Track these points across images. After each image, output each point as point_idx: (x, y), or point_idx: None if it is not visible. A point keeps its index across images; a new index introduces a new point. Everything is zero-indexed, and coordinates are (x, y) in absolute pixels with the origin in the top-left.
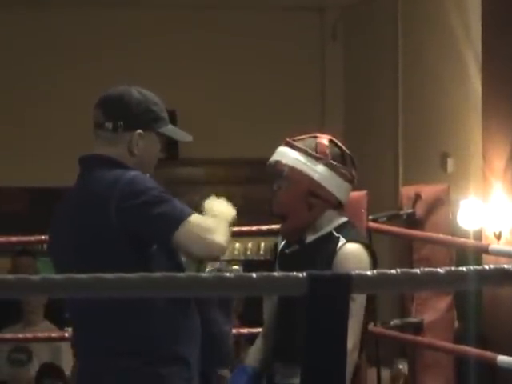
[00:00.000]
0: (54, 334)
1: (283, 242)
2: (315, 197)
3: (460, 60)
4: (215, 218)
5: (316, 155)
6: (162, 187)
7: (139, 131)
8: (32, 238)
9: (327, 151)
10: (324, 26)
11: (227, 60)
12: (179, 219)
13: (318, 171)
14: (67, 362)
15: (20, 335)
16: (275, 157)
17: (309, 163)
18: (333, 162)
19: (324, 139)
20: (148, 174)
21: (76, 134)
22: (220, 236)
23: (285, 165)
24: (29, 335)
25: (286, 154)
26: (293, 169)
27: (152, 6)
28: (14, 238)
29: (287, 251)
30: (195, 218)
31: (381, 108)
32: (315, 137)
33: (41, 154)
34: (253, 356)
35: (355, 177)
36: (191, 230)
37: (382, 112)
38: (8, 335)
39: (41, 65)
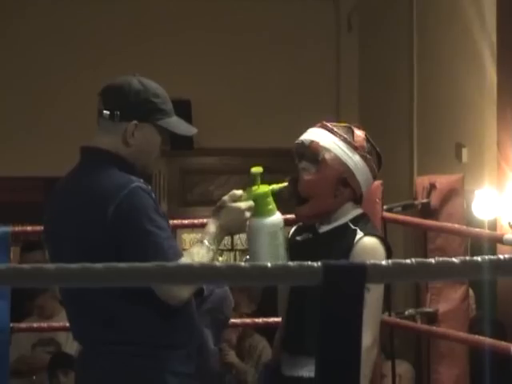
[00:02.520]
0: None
1: (293, 229)
2: (345, 185)
3: (475, 51)
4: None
5: (354, 144)
6: (159, 210)
7: (135, 122)
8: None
9: (363, 144)
10: (339, 17)
11: (242, 50)
12: (163, 260)
13: (354, 161)
14: None
15: (44, 325)
16: (309, 136)
17: (347, 151)
18: (367, 155)
19: (360, 132)
20: (148, 168)
21: (91, 123)
22: (185, 292)
23: (321, 147)
24: (55, 324)
25: (323, 137)
26: (330, 152)
27: None
28: (29, 228)
29: (299, 239)
30: None
31: (396, 98)
32: (350, 127)
33: (55, 143)
34: (274, 349)
35: (377, 174)
36: None
37: (397, 102)
38: (35, 325)
39: (55, 54)
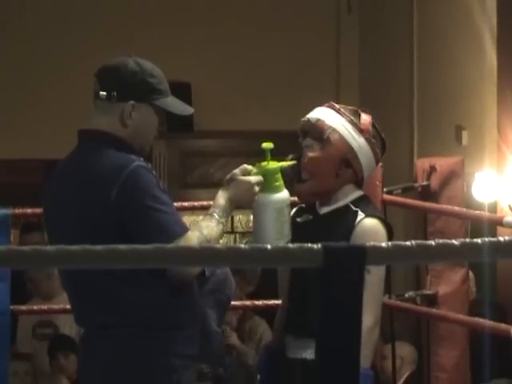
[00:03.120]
0: (55, 306)
1: (294, 211)
2: (347, 166)
3: (475, 33)
4: (206, 238)
5: (360, 127)
6: (161, 186)
7: (132, 102)
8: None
9: (369, 128)
10: (339, 5)
11: (242, 33)
12: (170, 237)
13: (359, 143)
14: None
15: (44, 307)
16: (316, 115)
17: (352, 132)
18: (372, 139)
19: (366, 116)
20: (146, 148)
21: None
22: (195, 268)
23: (327, 125)
24: (55, 307)
25: (330, 116)
26: (336, 132)
27: None
28: (29, 210)
29: (299, 220)
30: (184, 239)
31: (396, 81)
32: (357, 110)
33: (55, 125)
34: (274, 331)
35: (380, 160)
36: None
37: (397, 85)
38: (34, 307)
39: (54, 36)
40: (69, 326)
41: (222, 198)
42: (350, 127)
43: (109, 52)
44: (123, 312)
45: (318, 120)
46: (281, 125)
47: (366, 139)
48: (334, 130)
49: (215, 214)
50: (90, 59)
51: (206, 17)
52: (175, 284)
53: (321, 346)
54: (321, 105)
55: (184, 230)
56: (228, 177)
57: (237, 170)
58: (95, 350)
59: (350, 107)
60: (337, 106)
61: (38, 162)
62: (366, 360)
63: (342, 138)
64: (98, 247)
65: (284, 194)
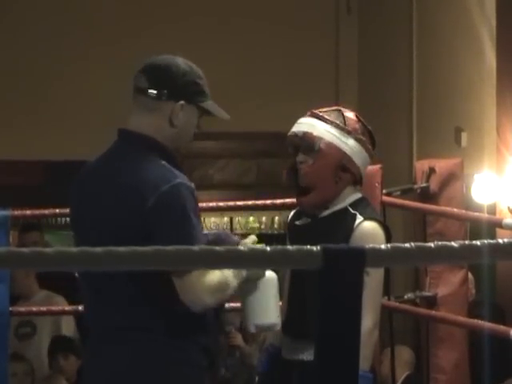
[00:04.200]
0: (53, 308)
1: (292, 214)
2: (344, 171)
3: (474, 34)
4: (223, 275)
5: (347, 129)
6: (195, 207)
7: (182, 102)
8: (46, 212)
9: (355, 126)
10: (338, 5)
11: (241, 33)
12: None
13: (350, 145)
14: (69, 329)
15: (22, 309)
16: (302, 128)
17: (341, 136)
18: (361, 136)
19: (350, 113)
20: (180, 150)
21: (91, 108)
22: (211, 299)
23: (316, 137)
24: (34, 308)
25: (315, 126)
26: (325, 142)
27: None
28: (28, 212)
29: (298, 223)
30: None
31: (395, 82)
32: (339, 110)
33: (55, 127)
34: (274, 333)
35: (373, 153)
36: (192, 281)
37: (397, 86)
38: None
39: (58, 36)
40: (50, 325)
41: None
42: (337, 132)
43: (112, 52)
44: (143, 316)
45: (305, 133)
46: (279, 126)
47: (356, 139)
48: (322, 139)
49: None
50: (92, 60)
51: (206, 18)
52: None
53: (320, 348)
54: (321, 105)
55: None
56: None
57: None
58: (102, 353)
59: (332, 108)
60: (319, 113)
61: (38, 164)
62: (365, 362)
63: (332, 146)
64: (97, 249)
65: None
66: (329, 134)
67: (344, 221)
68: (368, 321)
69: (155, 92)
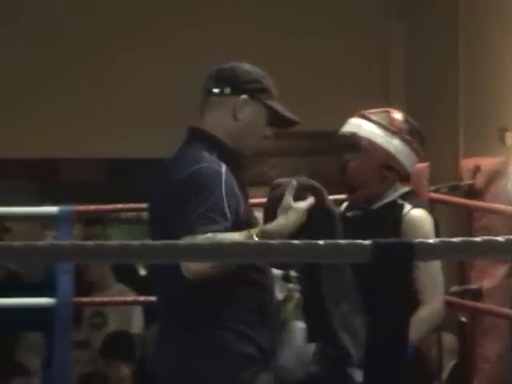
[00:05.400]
0: (127, 298)
1: (345, 205)
2: (389, 170)
3: None
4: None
5: (392, 129)
6: (220, 189)
7: (245, 96)
8: (109, 207)
9: (402, 126)
10: (388, 4)
11: (290, 32)
12: (190, 226)
13: (394, 145)
14: (137, 324)
15: (96, 300)
16: (350, 128)
17: (386, 137)
18: (407, 136)
19: (397, 114)
20: (247, 149)
21: (151, 107)
22: (197, 266)
23: (362, 137)
24: (105, 299)
25: (362, 127)
26: (371, 142)
27: None
28: (92, 207)
29: (349, 215)
30: (195, 237)
31: (442, 84)
32: (387, 111)
33: (116, 126)
34: None
35: (421, 152)
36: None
37: (444, 88)
38: (85, 299)
39: (128, 33)
40: (120, 317)
41: (276, 224)
42: (383, 133)
43: (178, 48)
44: (203, 308)
45: (353, 134)
46: (330, 126)
47: (401, 139)
48: (369, 140)
49: (254, 235)
50: (153, 64)
51: (253, 16)
52: (191, 281)
53: (370, 337)
54: (369, 107)
55: (207, 229)
56: (284, 205)
57: (289, 197)
58: (165, 345)
59: (380, 110)
60: (367, 114)
61: (100, 161)
62: (419, 335)
63: (378, 146)
64: (156, 243)
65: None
66: (374, 134)
67: (393, 211)
68: (437, 303)
69: (219, 89)
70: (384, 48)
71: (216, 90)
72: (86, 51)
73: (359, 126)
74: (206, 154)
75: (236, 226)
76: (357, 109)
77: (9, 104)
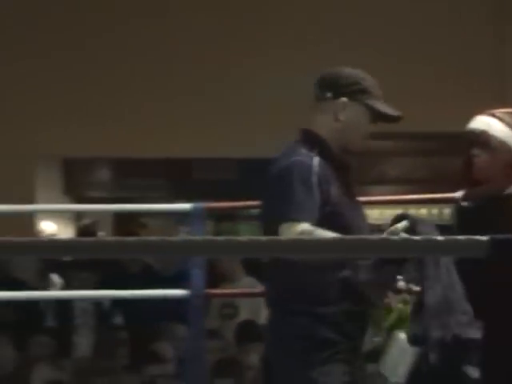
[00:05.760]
0: (256, 290)
1: (462, 194)
2: None
3: None
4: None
5: None
6: (310, 182)
7: (344, 99)
8: (238, 204)
9: None
10: (503, 4)
11: (409, 35)
12: (283, 215)
13: None
14: (265, 316)
15: (227, 291)
16: (479, 126)
17: None
18: None
19: None
20: (352, 146)
21: (280, 110)
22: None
23: (491, 135)
24: (235, 291)
25: (492, 126)
26: (500, 141)
27: None
28: (222, 204)
29: (466, 205)
30: (290, 226)
31: None
32: None
33: (247, 129)
34: None
35: None
36: (286, 233)
37: None
38: (216, 291)
39: (257, 44)
40: (248, 309)
41: None
42: (510, 132)
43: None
44: (300, 293)
45: (483, 131)
46: (447, 127)
47: None
48: (498, 138)
49: None
50: (276, 68)
51: (376, 22)
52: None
53: (488, 330)
54: (486, 107)
55: (298, 219)
56: (390, 231)
57: (399, 226)
58: (276, 329)
59: (507, 110)
60: (497, 113)
61: (231, 161)
62: None
63: (506, 145)
64: (281, 238)
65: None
66: (504, 133)
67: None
68: None
69: (322, 94)
70: (498, 47)
71: (320, 95)
72: (215, 58)
73: (489, 124)
74: (302, 150)
75: (325, 217)
76: (471, 111)
77: (150, 110)
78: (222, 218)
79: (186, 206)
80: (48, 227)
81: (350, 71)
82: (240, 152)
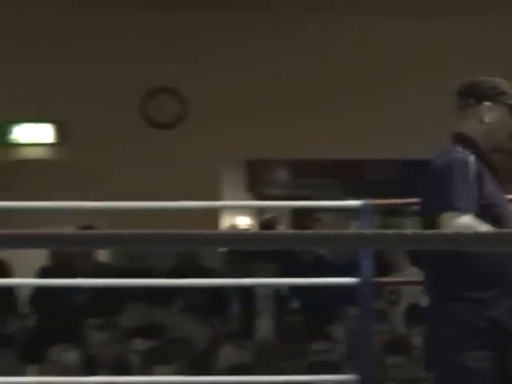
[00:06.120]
0: (417, 279)
1: None
2: None
3: None
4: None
5: None
6: (467, 179)
7: (487, 103)
8: (402, 201)
9: None
10: None
11: None
12: (450, 207)
13: None
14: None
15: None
16: None
17: None
18: None
19: None
20: (498, 145)
21: (435, 116)
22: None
23: None
24: (399, 279)
25: None
26: None
27: None
28: (388, 201)
29: None
30: (456, 217)
31: None
32: None
33: (409, 129)
34: None
35: None
36: (447, 224)
37: None
38: (384, 279)
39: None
40: (409, 295)
41: None
42: None
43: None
44: (456, 282)
45: None
46: None
47: None
48: None
49: None
50: (434, 74)
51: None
52: None
53: None
54: None
55: (460, 210)
56: None
57: None
58: (433, 312)
59: None
60: None
61: (391, 162)
62: None
63: None
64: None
65: None
66: None
67: None
68: None
69: (464, 102)
70: None
71: (462, 104)
72: (380, 66)
73: None
74: (459, 149)
75: (480, 208)
76: None
77: (326, 115)
78: (388, 213)
79: (356, 202)
80: (242, 221)
81: (485, 78)
82: (403, 154)
